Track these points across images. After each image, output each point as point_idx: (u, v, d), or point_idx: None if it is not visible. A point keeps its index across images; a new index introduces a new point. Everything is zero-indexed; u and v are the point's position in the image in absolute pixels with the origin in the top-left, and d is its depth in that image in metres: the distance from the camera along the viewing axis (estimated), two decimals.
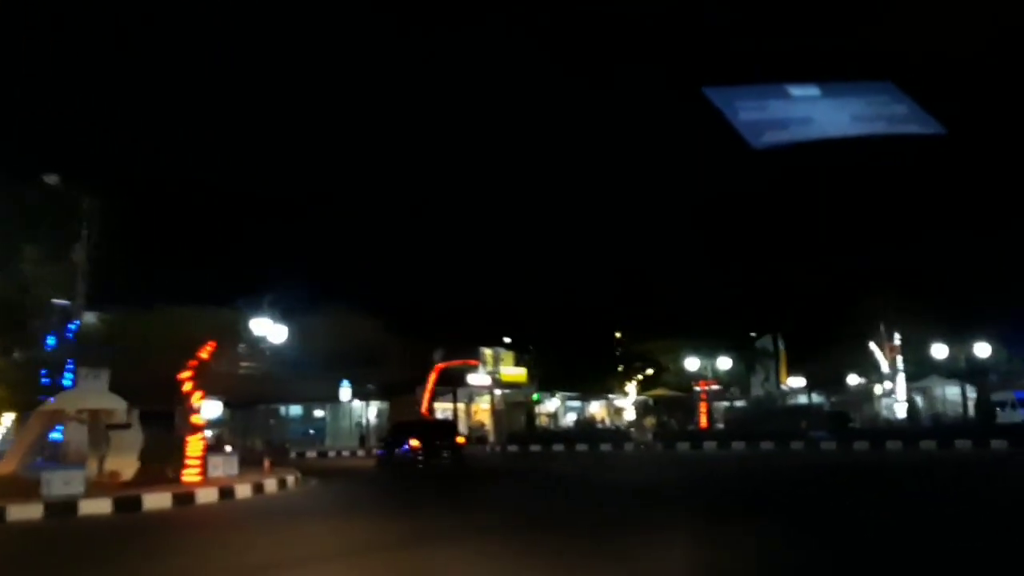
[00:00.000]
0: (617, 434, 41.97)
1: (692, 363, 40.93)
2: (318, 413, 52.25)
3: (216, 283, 36.60)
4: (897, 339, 39.05)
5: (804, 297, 41.07)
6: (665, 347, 44.26)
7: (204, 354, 19.91)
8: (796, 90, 7.46)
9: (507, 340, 50.60)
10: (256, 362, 25.22)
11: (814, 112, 7.42)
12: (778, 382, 42.73)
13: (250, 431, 51.25)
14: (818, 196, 37.66)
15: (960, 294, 36.54)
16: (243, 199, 49.39)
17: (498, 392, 53.32)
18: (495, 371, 54.56)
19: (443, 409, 54.70)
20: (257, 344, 24.75)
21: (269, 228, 48.02)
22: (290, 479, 21.73)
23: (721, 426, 42.83)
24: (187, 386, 19.67)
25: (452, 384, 51.63)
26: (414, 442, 30.97)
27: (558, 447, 39.50)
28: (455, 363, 49.60)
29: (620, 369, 47.04)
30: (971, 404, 40.70)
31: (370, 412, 50.26)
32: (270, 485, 20.33)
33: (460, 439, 33.24)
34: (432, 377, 48.64)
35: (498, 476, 24.99)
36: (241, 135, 58.82)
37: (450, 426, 36.20)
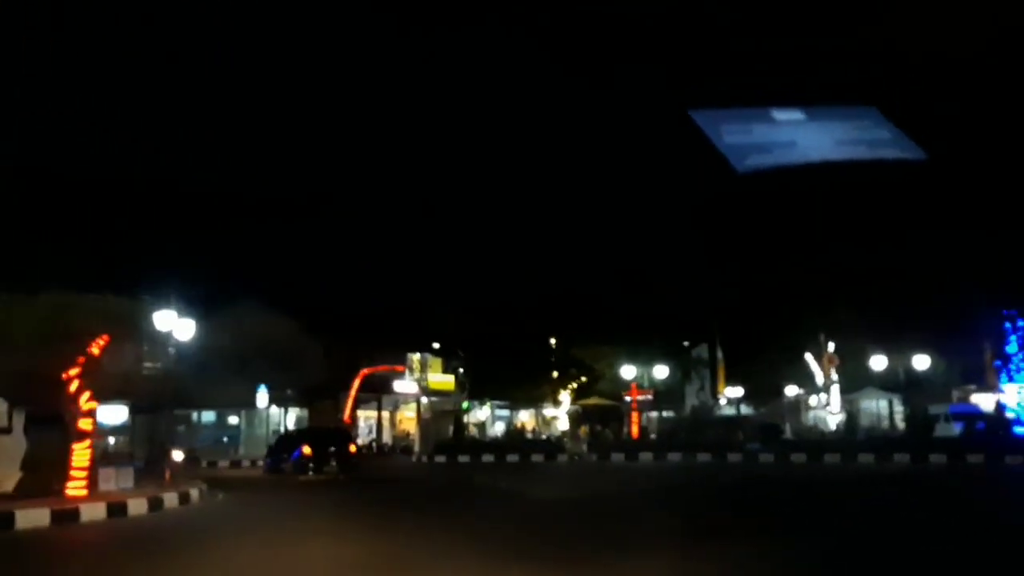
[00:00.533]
0: (549, 444, 40.37)
1: (628, 371, 39.62)
2: (232, 420, 49.31)
3: (114, 270, 33.91)
4: (832, 348, 38.47)
5: (743, 306, 40.45)
6: (601, 354, 42.82)
7: (95, 349, 17.48)
8: (780, 114, 7.37)
9: (436, 345, 48.60)
10: (161, 361, 22.74)
11: (798, 136, 7.35)
12: (714, 392, 41.77)
13: (157, 439, 48.11)
14: (774, 209, 36.77)
15: (897, 306, 36.26)
16: (162, 187, 46.46)
17: (425, 400, 51.27)
18: (422, 378, 52.46)
19: (367, 417, 52.36)
20: (162, 341, 22.25)
21: (181, 217, 44.95)
22: (194, 492, 19.40)
23: (653, 436, 41.70)
24: (74, 385, 17.20)
25: (377, 391, 49.38)
26: (307, 449, 30.24)
27: (487, 458, 37.72)
28: (380, 369, 47.39)
29: (555, 376, 45.36)
30: (899, 417, 40.56)
31: (288, 419, 47.62)
32: (170, 500, 18.00)
33: (352, 447, 32.91)
34: (355, 383, 46.35)
35: (422, 490, 23.00)
36: (165, 121, 55.53)
37: (342, 434, 35.43)
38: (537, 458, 36.96)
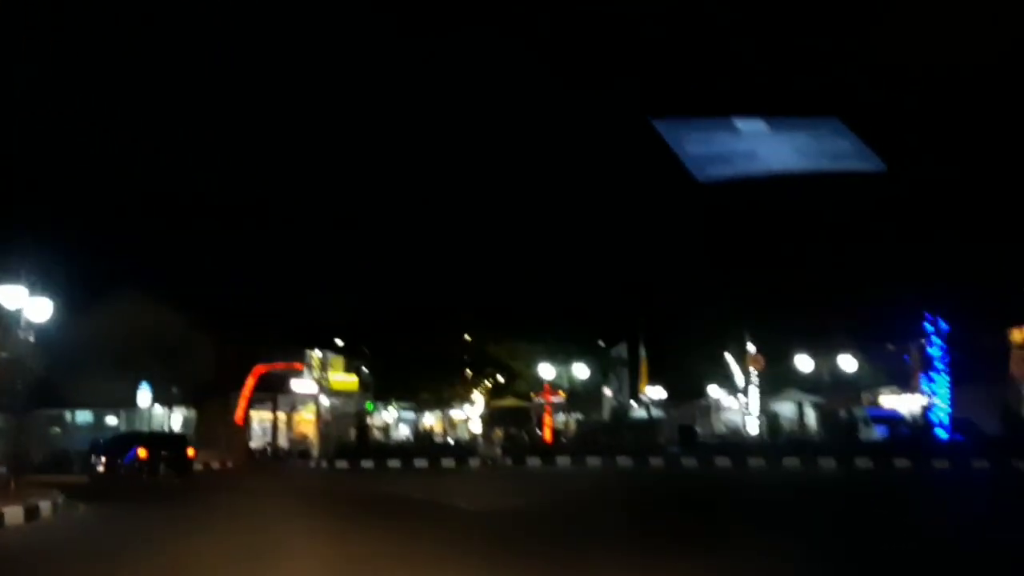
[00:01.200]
0: (460, 448, 37.89)
1: (546, 371, 37.54)
2: (112, 420, 45.00)
3: None
4: (751, 348, 37.31)
5: (667, 304, 39.11)
6: (518, 352, 40.43)
7: None
8: (742, 124, 7.29)
9: (339, 342, 45.56)
10: (12, 348, 19.26)
11: (759, 146, 7.27)
12: (635, 392, 40.05)
13: (24, 441, 43.44)
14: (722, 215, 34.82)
15: (823, 307, 35.40)
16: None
17: (325, 401, 48.10)
18: (323, 377, 49.30)
19: (261, 419, 48.72)
20: (10, 322, 18.80)
21: (54, 187, 40.58)
22: (45, 505, 16.15)
23: (565, 440, 39.75)
24: None
25: (273, 390, 45.94)
26: (142, 452, 29.32)
27: (394, 463, 35.04)
28: (277, 366, 44.02)
29: (468, 375, 42.70)
30: (814, 420, 39.94)
31: (174, 420, 43.69)
32: (13, 515, 14.78)
33: (191, 451, 32.46)
34: (249, 382, 42.88)
35: (321, 502, 20.21)
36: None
37: (179, 438, 35.24)
38: (447, 463, 34.51)
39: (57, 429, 44.49)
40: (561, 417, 45.55)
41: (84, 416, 45.57)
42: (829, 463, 29.97)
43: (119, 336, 44.91)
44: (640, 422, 39.02)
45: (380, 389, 43.70)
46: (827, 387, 36.29)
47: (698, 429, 41.59)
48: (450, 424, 51.91)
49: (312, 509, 16.96)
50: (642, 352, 38.35)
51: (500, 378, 42.05)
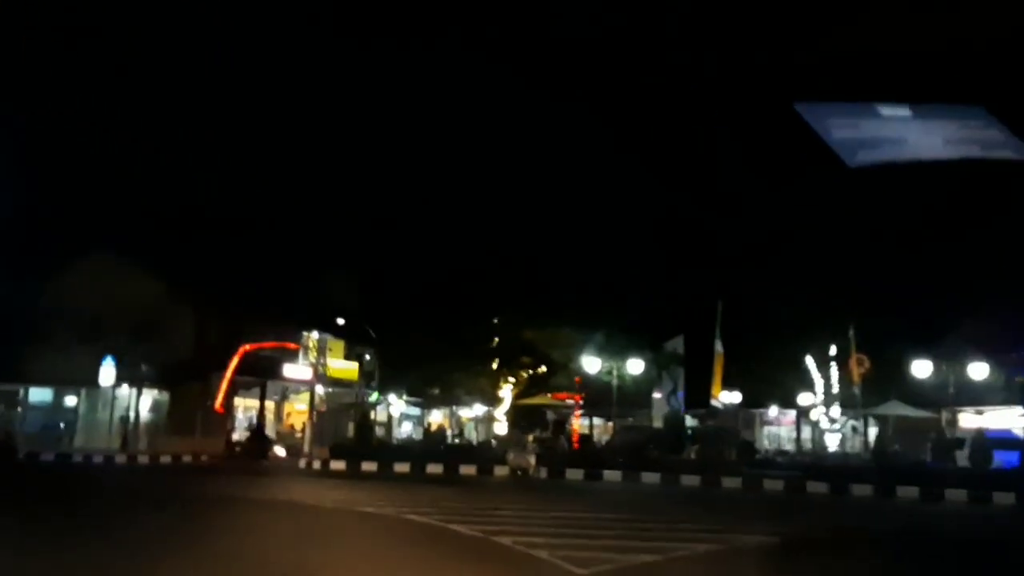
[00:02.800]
0: (481, 453, 31.24)
1: (591, 364, 30.84)
2: (71, 401, 38.62)
3: None
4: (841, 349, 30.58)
5: (739, 289, 32.70)
6: (558, 339, 33.64)
7: None
8: (887, 110, 6.88)
9: (340, 322, 39.17)
10: None
11: (907, 133, 6.92)
12: (698, 395, 33.03)
13: None
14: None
15: (943, 307, 29.08)
16: None
17: (321, 390, 41.76)
18: (319, 362, 42.92)
19: (247, 407, 42.31)
20: None
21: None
22: None
23: (595, 448, 33.26)
24: None
25: (261, 375, 39.58)
26: None
27: (401, 467, 28.69)
28: (266, 345, 37.69)
29: (494, 366, 35.86)
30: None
31: (143, 404, 37.27)
32: None
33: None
34: (233, 362, 36.53)
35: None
36: None
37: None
38: (467, 470, 28.16)
39: (2, 407, 38.12)
40: (593, 422, 39.05)
41: (41, 395, 39.17)
42: (958, 495, 23.57)
43: (84, 303, 38.66)
44: (707, 432, 32.45)
45: (386, 379, 37.17)
46: (947, 399, 29.72)
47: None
48: (458, 423, 45.38)
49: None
50: (718, 347, 31.53)
51: (532, 369, 34.82)
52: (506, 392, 34.18)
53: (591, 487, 25.30)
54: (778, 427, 44.35)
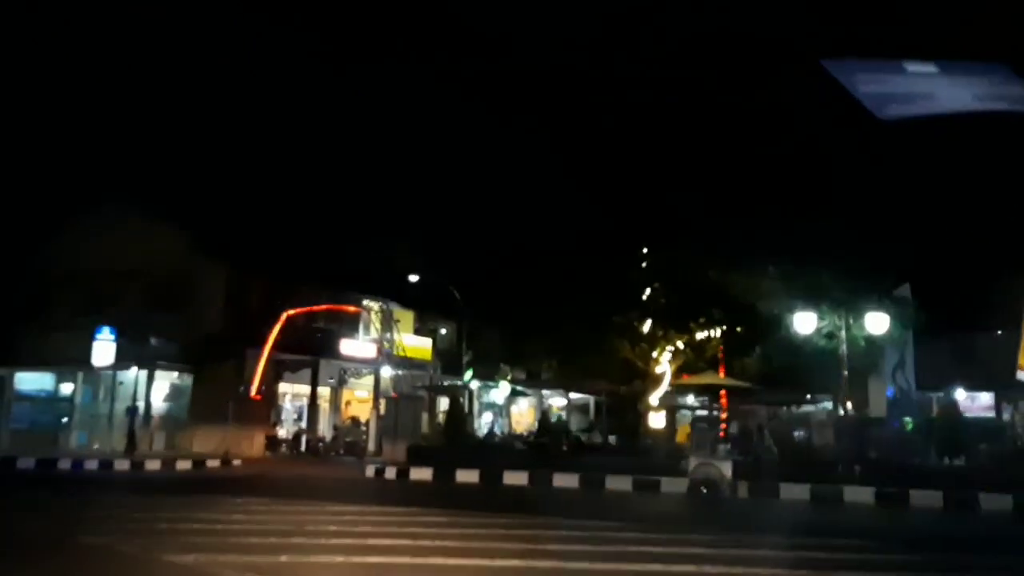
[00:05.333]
0: (670, 458, 20.52)
1: (805, 322, 20.25)
2: (67, 388, 30.09)
3: None
4: None
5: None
6: (759, 289, 22.61)
7: None
8: (912, 66, 6.71)
9: (413, 279, 29.94)
10: None
11: (935, 88, 6.65)
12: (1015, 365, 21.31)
13: None
14: None
15: None
16: None
17: (389, 371, 32.75)
18: (385, 338, 33.87)
19: (295, 395, 33.42)
20: None
21: None
22: None
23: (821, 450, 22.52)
24: None
25: (313, 351, 30.57)
26: None
27: (515, 477, 19.35)
28: (317, 309, 28.66)
29: (644, 329, 24.20)
30: None
31: (157, 390, 28.59)
32: None
33: None
34: (274, 332, 27.57)
35: None
36: None
37: None
38: (618, 484, 18.63)
39: None
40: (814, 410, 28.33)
41: (34, 380, 30.75)
42: None
43: (86, 265, 30.09)
44: (995, 427, 22.13)
45: (481, 357, 27.46)
46: None
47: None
48: (544, 414, 35.36)
49: None
50: None
51: (738, 328, 23.33)
52: (664, 366, 23.83)
53: (846, 519, 15.45)
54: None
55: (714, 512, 15.85)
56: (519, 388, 30.47)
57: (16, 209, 31.54)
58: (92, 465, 23.09)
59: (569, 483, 19.03)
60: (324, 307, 28.77)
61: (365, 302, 33.73)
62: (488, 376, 28.36)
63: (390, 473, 21.13)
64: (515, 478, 19.53)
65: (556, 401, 33.59)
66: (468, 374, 25.20)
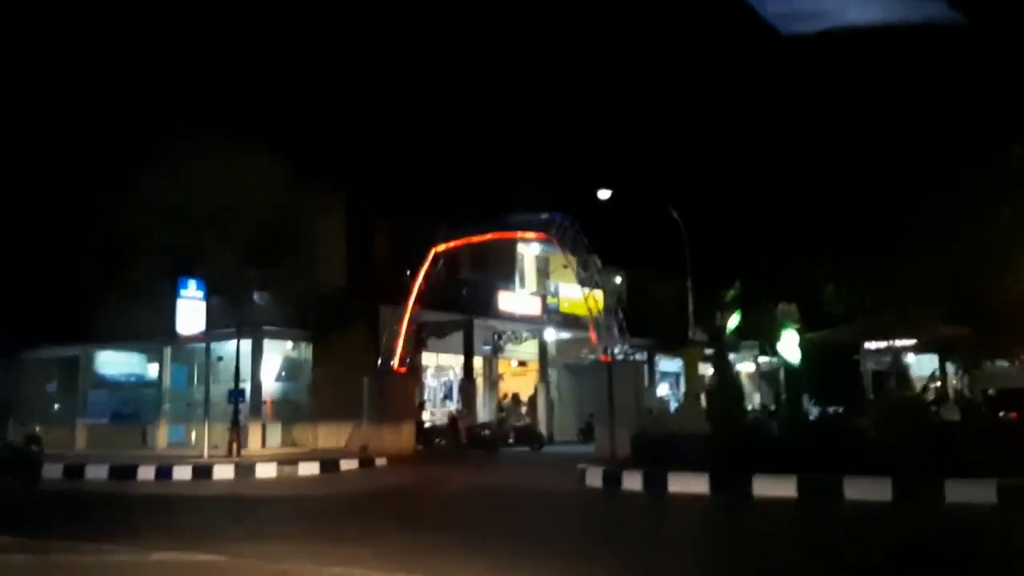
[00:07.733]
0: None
1: None
2: (153, 369, 23.45)
3: None
4: None
5: None
6: None
7: None
8: None
9: (603, 195, 21.86)
10: None
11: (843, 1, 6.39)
12: None
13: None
14: None
15: None
16: None
17: (553, 335, 25.15)
18: (549, 291, 26.26)
19: (437, 366, 25.95)
20: None
21: None
22: None
23: None
24: None
25: (464, 309, 23.06)
26: None
27: (866, 487, 11.15)
28: (477, 240, 20.95)
29: None
30: None
31: (267, 366, 21.53)
32: None
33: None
34: (418, 279, 20.10)
35: None
36: None
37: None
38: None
39: (55, 386, 23.52)
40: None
41: (113, 361, 24.24)
42: None
43: (169, 212, 23.21)
44: None
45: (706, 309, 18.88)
46: None
47: None
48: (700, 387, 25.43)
49: None
50: None
51: None
52: None
53: None
54: None
55: None
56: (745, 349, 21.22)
57: (80, 142, 24.87)
58: (183, 473, 16.19)
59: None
60: (487, 237, 20.94)
61: (520, 246, 25.99)
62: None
63: (631, 482, 13.27)
64: (865, 489, 11.34)
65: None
66: (734, 319, 16.33)
